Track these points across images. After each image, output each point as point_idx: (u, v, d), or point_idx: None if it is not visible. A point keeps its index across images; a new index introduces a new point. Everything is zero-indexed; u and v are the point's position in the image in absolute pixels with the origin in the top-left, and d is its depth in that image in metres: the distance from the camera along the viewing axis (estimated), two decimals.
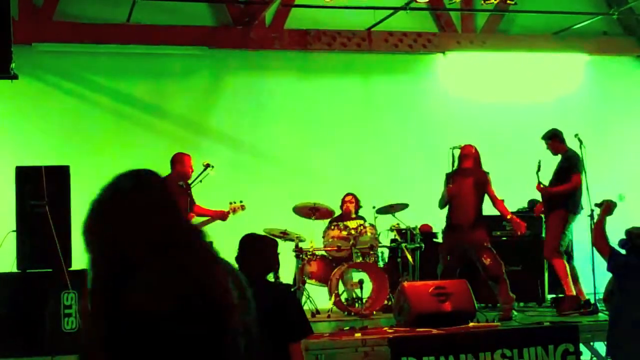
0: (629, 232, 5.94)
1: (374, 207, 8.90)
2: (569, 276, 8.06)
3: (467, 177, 7.89)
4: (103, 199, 2.01)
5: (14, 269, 6.64)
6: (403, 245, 8.78)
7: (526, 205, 9.46)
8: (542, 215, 8.63)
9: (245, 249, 4.33)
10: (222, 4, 10.56)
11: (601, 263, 6.35)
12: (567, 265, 8.10)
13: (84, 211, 2.01)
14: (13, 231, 6.74)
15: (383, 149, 10.95)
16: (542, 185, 8.19)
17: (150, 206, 1.98)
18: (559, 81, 11.77)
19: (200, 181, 7.93)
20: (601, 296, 7.90)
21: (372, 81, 11.24)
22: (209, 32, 10.50)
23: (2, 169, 8.11)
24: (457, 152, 7.98)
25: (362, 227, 8.76)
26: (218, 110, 10.64)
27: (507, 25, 11.77)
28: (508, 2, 9.85)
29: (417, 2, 9.87)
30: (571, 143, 8.34)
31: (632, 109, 12.00)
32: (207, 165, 7.91)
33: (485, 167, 8.05)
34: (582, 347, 6.88)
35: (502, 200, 8.04)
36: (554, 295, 8.87)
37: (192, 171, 7.93)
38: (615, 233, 6.12)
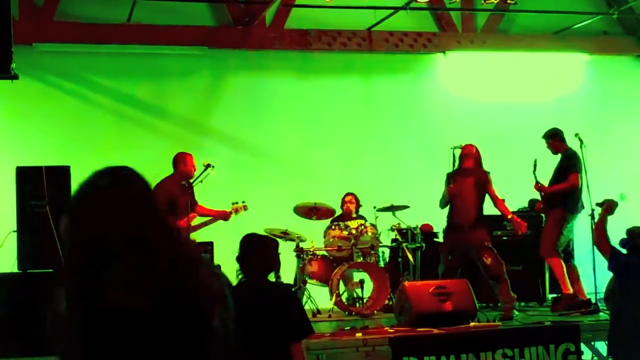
0: (630, 232, 5.95)
1: (374, 207, 8.91)
2: (565, 275, 8.07)
3: (468, 177, 7.89)
4: (80, 196, 2.01)
5: (15, 269, 6.65)
6: (404, 245, 8.78)
7: (527, 205, 9.46)
8: (543, 215, 8.64)
9: (246, 249, 4.33)
10: (222, 3, 10.56)
11: (602, 262, 6.36)
12: (563, 264, 8.11)
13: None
14: (14, 231, 6.75)
15: (383, 149, 10.96)
16: (539, 184, 8.20)
17: (127, 202, 1.98)
18: (559, 81, 11.77)
19: (201, 181, 7.93)
20: (602, 295, 7.91)
21: (373, 81, 11.24)
22: (210, 32, 10.50)
23: (3, 169, 8.12)
24: (457, 152, 7.99)
25: (362, 227, 8.76)
26: (218, 110, 10.64)
27: (508, 25, 11.77)
28: (508, 1, 9.85)
29: (417, 1, 9.86)
30: (572, 142, 8.34)
31: (632, 108, 11.99)
32: (208, 165, 7.90)
33: (485, 167, 8.06)
34: (583, 347, 6.89)
35: (503, 200, 8.04)
36: (555, 295, 8.87)
37: (195, 170, 7.93)
38: (616, 232, 6.12)
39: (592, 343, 7.32)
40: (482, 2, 9.76)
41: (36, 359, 6.08)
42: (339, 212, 9.15)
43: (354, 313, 8.26)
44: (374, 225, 8.86)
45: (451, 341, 6.51)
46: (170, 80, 10.48)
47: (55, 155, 8.79)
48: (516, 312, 7.89)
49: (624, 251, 5.95)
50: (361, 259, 8.58)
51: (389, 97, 11.15)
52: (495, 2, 9.69)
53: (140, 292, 1.86)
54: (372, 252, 8.70)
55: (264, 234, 6.35)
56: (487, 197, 7.93)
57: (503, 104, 11.43)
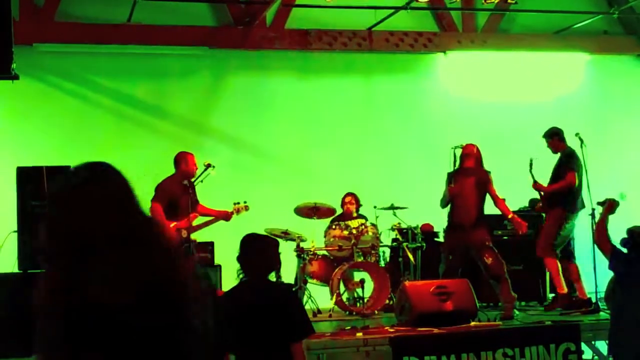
0: (630, 231, 5.94)
1: (375, 207, 8.90)
2: (560, 275, 8.08)
3: (468, 177, 7.90)
4: (58, 191, 2.01)
5: (15, 269, 6.64)
6: (404, 244, 8.78)
7: (527, 205, 9.46)
8: (543, 214, 8.64)
9: (247, 248, 4.34)
10: (222, 4, 10.56)
11: (603, 262, 6.35)
12: (559, 263, 8.12)
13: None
14: (14, 231, 6.75)
15: (384, 149, 10.95)
16: (537, 184, 8.21)
17: (106, 198, 1.97)
18: (559, 80, 11.77)
19: (201, 181, 7.93)
20: (602, 295, 7.91)
21: (373, 81, 11.24)
22: (210, 32, 10.50)
23: (3, 169, 8.12)
24: (458, 152, 7.98)
25: (363, 227, 8.76)
26: (219, 110, 10.64)
27: (508, 24, 11.77)
28: (509, 1, 9.85)
29: (417, 1, 9.86)
30: (572, 142, 8.35)
31: (632, 108, 12.00)
32: (208, 165, 7.90)
33: (486, 167, 8.06)
34: (583, 346, 6.89)
35: (504, 200, 8.04)
36: (555, 295, 8.87)
37: (197, 169, 7.93)
38: (617, 232, 6.12)
39: (593, 342, 7.32)
40: (483, 1, 9.76)
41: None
42: (339, 211, 9.15)
43: (354, 313, 8.25)
44: (374, 225, 8.86)
45: (452, 341, 6.50)
46: (171, 80, 10.48)
47: (56, 156, 8.77)
48: (517, 312, 7.90)
49: (625, 250, 5.95)
50: (362, 258, 8.58)
51: (390, 97, 11.15)
52: (496, 1, 9.68)
53: (120, 289, 1.85)
54: (373, 251, 8.70)
55: (265, 233, 6.35)
56: (487, 196, 7.94)
57: (503, 104, 11.43)
